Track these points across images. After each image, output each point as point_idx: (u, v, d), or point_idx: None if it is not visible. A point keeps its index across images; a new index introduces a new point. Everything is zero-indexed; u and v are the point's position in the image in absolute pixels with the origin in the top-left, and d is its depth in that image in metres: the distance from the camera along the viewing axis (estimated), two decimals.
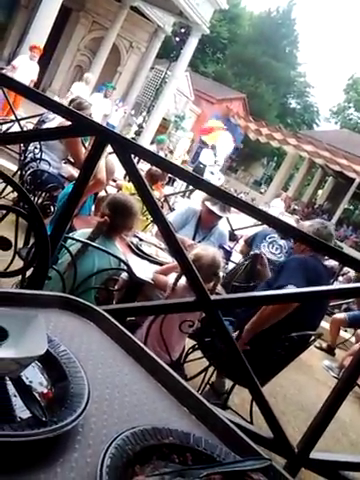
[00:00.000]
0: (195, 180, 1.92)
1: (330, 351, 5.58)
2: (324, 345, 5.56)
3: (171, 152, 17.19)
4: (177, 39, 16.28)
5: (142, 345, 0.91)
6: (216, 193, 2.00)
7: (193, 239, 3.45)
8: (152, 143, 14.29)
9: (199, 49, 25.92)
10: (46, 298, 0.93)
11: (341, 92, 43.39)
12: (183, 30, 15.51)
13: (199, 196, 5.04)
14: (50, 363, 0.70)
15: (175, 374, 0.86)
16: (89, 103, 4.11)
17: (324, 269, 2.61)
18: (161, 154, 13.49)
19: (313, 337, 2.45)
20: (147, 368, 0.87)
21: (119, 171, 4.37)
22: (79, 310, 0.96)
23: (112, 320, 0.96)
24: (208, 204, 3.39)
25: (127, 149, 1.81)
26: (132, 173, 1.85)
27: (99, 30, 16.76)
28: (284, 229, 2.03)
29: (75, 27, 16.57)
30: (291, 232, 1.99)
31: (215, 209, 3.38)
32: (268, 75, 36.20)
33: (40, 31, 9.70)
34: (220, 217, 3.50)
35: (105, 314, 0.98)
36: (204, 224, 3.53)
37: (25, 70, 8.58)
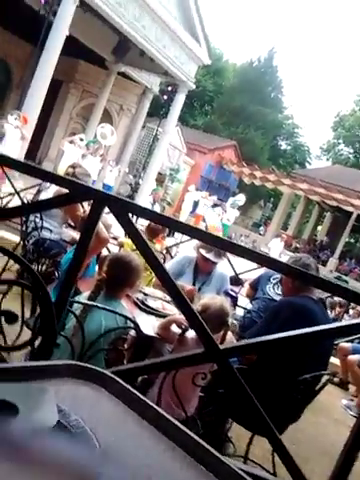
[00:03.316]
0: (193, 231, 1.97)
1: (343, 385, 5.47)
2: (336, 379, 5.43)
3: (169, 204, 17.46)
4: (165, 97, 16.88)
5: (156, 407, 0.90)
6: (214, 241, 2.03)
7: (193, 285, 3.47)
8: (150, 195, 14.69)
9: (187, 103, 26.84)
10: (55, 368, 0.94)
11: (329, 129, 44.52)
12: (170, 88, 16.10)
13: None
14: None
15: (196, 437, 0.82)
16: (85, 171, 4.25)
17: (315, 304, 2.58)
18: (157, 206, 13.77)
19: (327, 377, 2.41)
20: (162, 430, 0.85)
21: (119, 229, 4.44)
22: (89, 376, 0.96)
23: (123, 384, 0.96)
24: (203, 252, 3.44)
25: (124, 209, 1.87)
26: (131, 232, 1.90)
27: (89, 98, 17.47)
28: (279, 268, 2.05)
29: (66, 97, 17.28)
30: (277, 267, 2.00)
31: (210, 256, 3.43)
32: (256, 121, 37.26)
33: (32, 107, 10.30)
34: (216, 263, 3.54)
35: (115, 378, 0.97)
36: (201, 270, 3.57)
37: (12, 140, 9.16)
